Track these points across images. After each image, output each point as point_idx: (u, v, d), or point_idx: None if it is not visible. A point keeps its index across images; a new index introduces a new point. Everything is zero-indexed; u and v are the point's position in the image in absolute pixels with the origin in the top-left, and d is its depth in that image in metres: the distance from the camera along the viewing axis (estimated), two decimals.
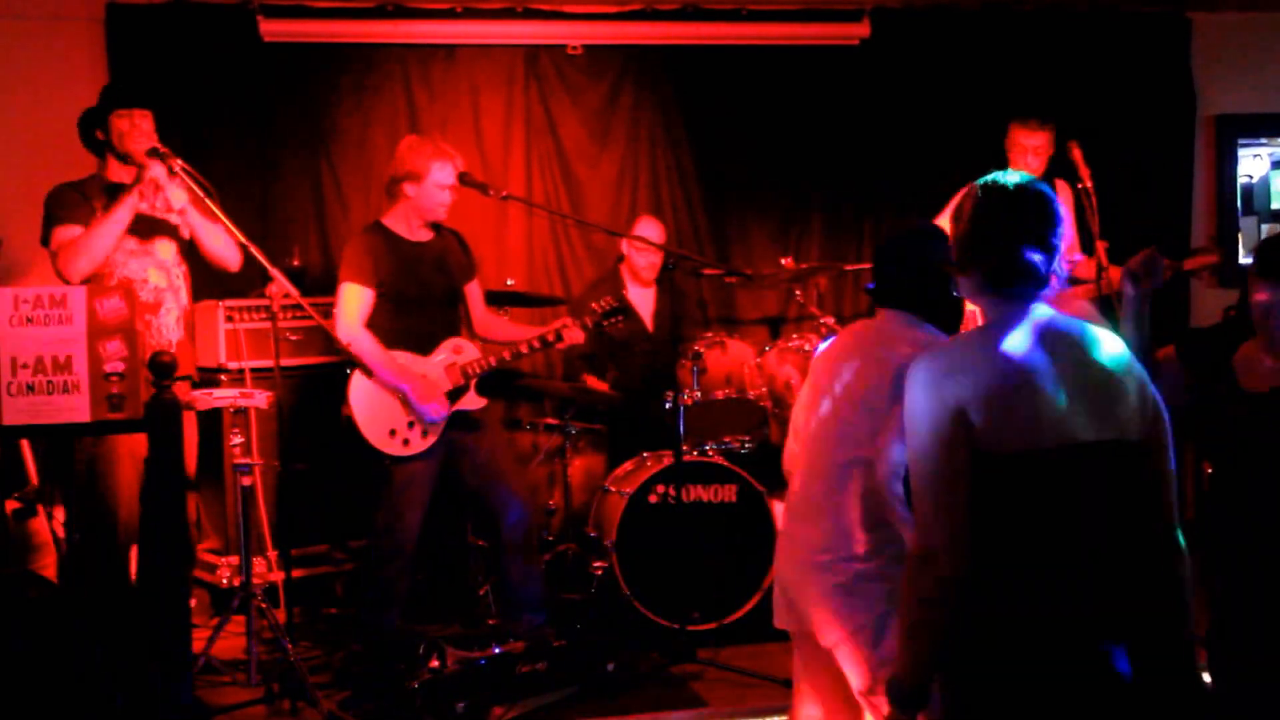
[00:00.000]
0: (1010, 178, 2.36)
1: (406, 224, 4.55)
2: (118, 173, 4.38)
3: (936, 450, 2.22)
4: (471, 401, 4.56)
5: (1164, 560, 2.33)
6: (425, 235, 4.59)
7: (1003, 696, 2.23)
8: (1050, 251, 2.32)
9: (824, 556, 2.84)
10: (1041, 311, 2.32)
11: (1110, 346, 2.33)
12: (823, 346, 3.13)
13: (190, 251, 4.55)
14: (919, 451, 2.25)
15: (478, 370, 4.53)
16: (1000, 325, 2.31)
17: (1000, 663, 2.22)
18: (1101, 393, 2.26)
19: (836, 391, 2.91)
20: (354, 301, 4.44)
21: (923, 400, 2.25)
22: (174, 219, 4.45)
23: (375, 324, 4.45)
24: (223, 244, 4.47)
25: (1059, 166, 5.08)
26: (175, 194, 4.35)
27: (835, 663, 2.86)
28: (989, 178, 2.38)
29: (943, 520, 2.21)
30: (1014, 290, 2.31)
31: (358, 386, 4.39)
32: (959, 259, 2.38)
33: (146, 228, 4.40)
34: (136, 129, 4.34)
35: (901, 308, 2.93)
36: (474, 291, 4.77)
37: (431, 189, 4.48)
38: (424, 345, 4.51)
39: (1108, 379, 2.28)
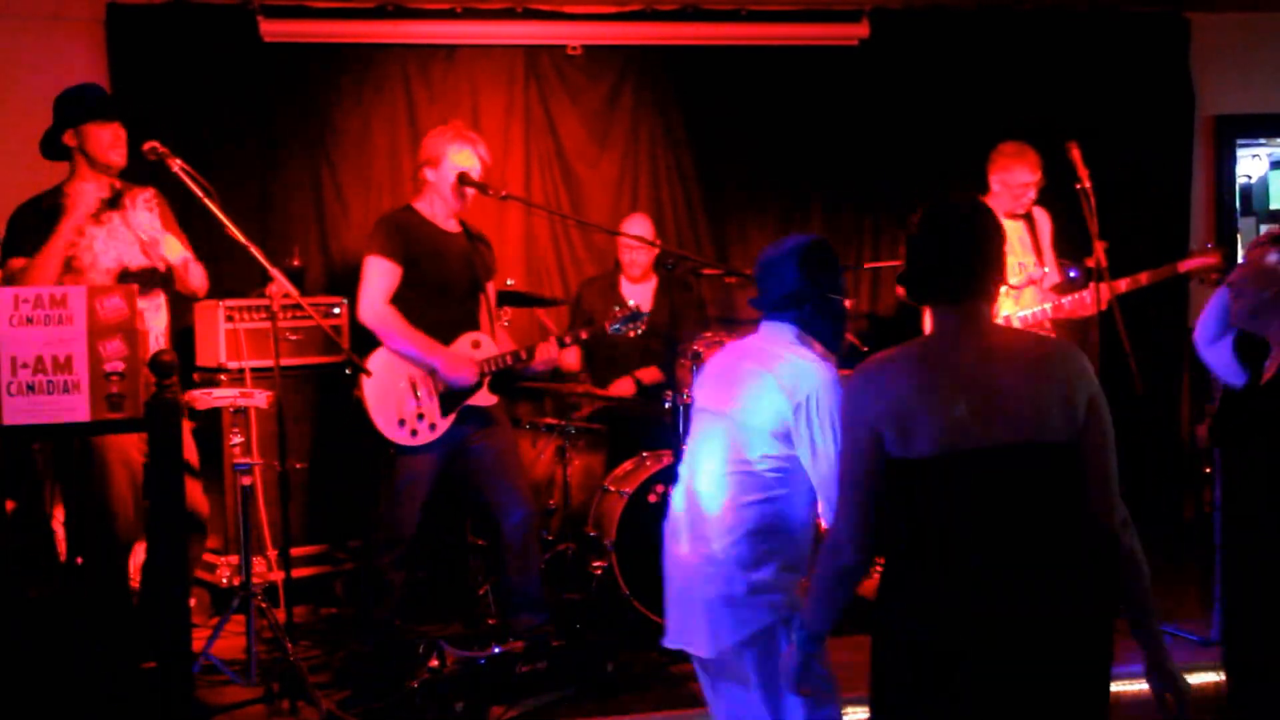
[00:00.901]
0: (947, 200, 2.54)
1: (432, 212, 4.53)
2: (88, 179, 4.31)
3: (849, 454, 2.47)
4: (484, 398, 4.52)
5: (1100, 558, 2.42)
6: (453, 227, 4.57)
7: (919, 692, 2.38)
8: (971, 267, 2.45)
9: (713, 565, 2.86)
10: (974, 321, 2.45)
11: (1037, 353, 2.45)
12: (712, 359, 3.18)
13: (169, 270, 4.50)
14: (839, 453, 2.53)
15: (494, 367, 4.50)
16: (930, 337, 2.53)
17: (916, 663, 2.38)
18: (1017, 399, 2.37)
19: (721, 406, 2.95)
20: (379, 277, 4.40)
21: (845, 408, 2.51)
22: (144, 227, 4.39)
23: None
24: (197, 278, 4.45)
25: (1057, 168, 5.09)
26: (143, 219, 4.31)
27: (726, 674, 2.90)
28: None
29: (849, 516, 2.47)
30: (934, 301, 2.50)
31: (374, 372, 4.34)
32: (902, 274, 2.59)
33: (124, 247, 4.37)
34: (118, 139, 4.31)
35: (783, 320, 2.96)
36: (490, 291, 4.73)
37: (448, 173, 4.47)
38: (443, 337, 4.46)
39: (1027, 385, 2.38)
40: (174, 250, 4.39)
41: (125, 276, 4.33)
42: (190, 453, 4.59)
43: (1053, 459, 2.38)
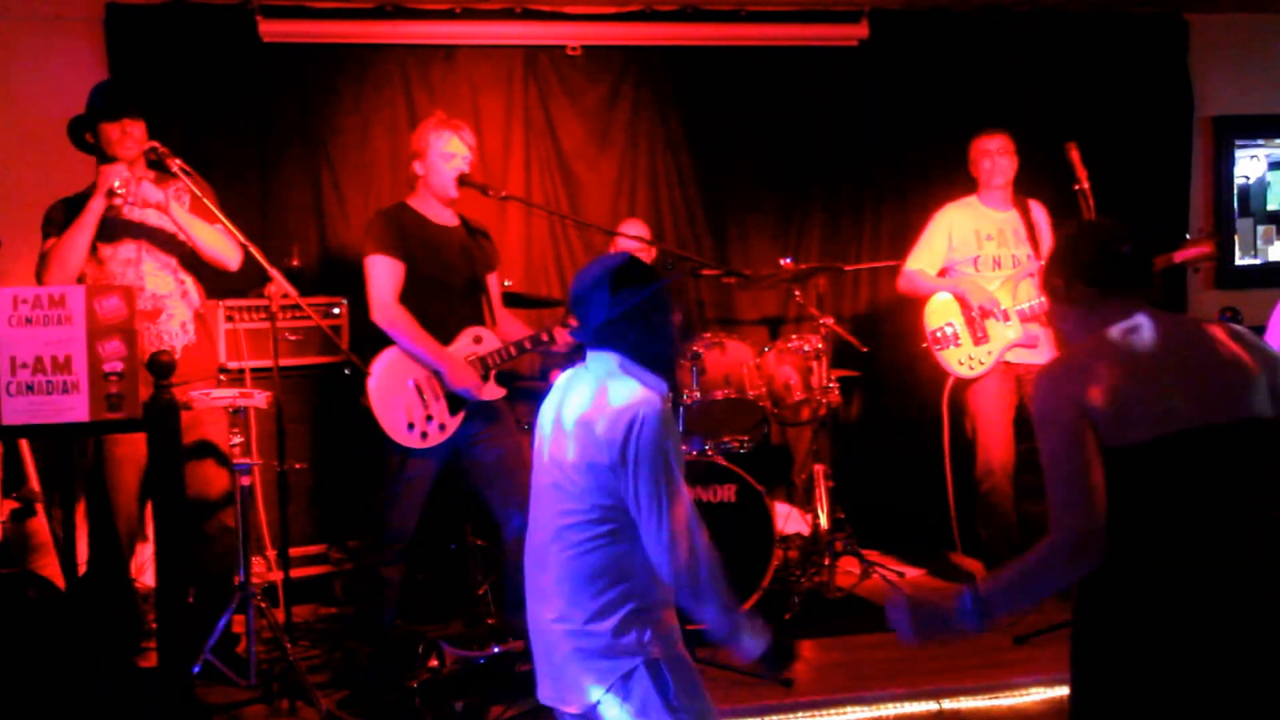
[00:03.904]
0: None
1: (426, 207, 4.52)
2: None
3: (1065, 444, 2.32)
4: (491, 391, 4.48)
5: None
6: (449, 220, 4.56)
7: (1144, 684, 2.31)
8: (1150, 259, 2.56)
9: (560, 621, 2.73)
10: (1147, 310, 2.46)
11: (1224, 332, 2.45)
12: (560, 382, 2.97)
13: (195, 255, 4.50)
14: (1050, 450, 2.36)
15: (498, 361, 4.46)
16: (1111, 326, 2.45)
17: (1142, 649, 2.31)
18: (1225, 376, 2.37)
19: (553, 444, 2.81)
20: (385, 275, 4.36)
21: (1048, 401, 2.39)
22: (153, 217, 4.38)
23: None
24: (215, 241, 4.39)
25: (1057, 169, 5.09)
26: (149, 191, 4.25)
27: None
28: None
29: (1082, 509, 2.28)
30: (1116, 289, 2.48)
31: (377, 378, 4.32)
32: (1062, 275, 2.55)
33: (143, 235, 4.38)
34: (128, 136, 4.33)
35: (604, 349, 2.81)
36: (493, 284, 4.71)
37: (436, 160, 4.45)
38: (444, 333, 4.42)
39: (1230, 363, 2.39)
40: (232, 258, 4.41)
41: (142, 230, 4.36)
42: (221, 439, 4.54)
43: (1266, 434, 2.37)
